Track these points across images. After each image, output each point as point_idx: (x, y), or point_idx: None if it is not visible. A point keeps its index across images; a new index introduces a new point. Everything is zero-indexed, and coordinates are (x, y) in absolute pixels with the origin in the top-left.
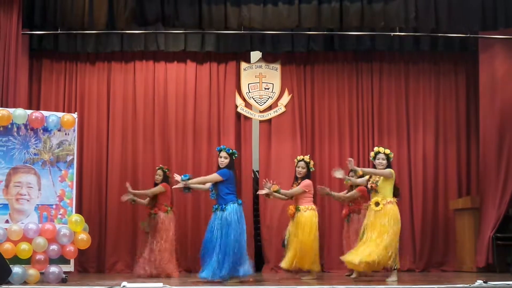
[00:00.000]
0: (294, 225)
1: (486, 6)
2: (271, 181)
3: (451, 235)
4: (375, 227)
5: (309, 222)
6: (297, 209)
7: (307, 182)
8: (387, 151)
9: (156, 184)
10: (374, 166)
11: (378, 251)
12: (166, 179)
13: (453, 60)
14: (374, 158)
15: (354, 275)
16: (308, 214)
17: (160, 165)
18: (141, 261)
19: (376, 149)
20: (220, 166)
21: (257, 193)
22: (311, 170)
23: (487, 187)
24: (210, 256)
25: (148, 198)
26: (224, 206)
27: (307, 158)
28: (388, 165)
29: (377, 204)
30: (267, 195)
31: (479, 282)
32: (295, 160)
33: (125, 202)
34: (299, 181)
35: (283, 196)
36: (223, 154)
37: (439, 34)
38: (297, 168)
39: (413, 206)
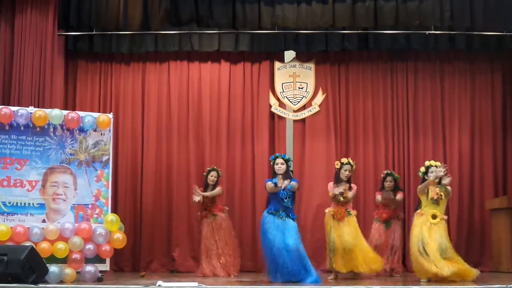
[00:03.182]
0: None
1: None
2: None
3: (487, 235)
4: (433, 239)
5: None
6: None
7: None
8: (438, 163)
9: (207, 185)
10: (424, 181)
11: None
12: (217, 180)
13: (489, 58)
14: (426, 172)
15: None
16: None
17: (214, 166)
18: (206, 261)
19: (427, 163)
20: (278, 172)
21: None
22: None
23: None
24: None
25: (201, 198)
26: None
27: (351, 161)
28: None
29: (434, 217)
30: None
31: None
32: (340, 163)
33: (160, 202)
34: (348, 184)
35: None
36: (279, 160)
37: (475, 33)
38: (344, 172)
39: (449, 206)
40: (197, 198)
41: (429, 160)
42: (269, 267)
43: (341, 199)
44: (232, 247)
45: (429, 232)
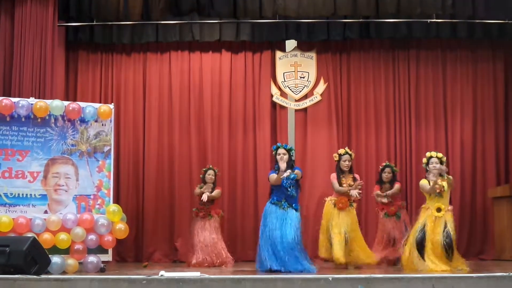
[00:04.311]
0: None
1: None
2: None
3: (489, 224)
4: (437, 233)
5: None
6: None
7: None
8: (440, 155)
9: (205, 182)
10: (426, 171)
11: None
12: (215, 179)
13: (491, 46)
14: (427, 163)
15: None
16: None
17: (210, 165)
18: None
19: (428, 154)
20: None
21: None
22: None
23: None
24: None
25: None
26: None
27: (349, 150)
28: None
29: (439, 210)
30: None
31: None
32: (338, 154)
33: (162, 192)
34: (351, 175)
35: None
36: (281, 151)
37: (477, 21)
38: (343, 162)
39: (451, 194)
40: (205, 197)
41: (430, 151)
42: (261, 254)
43: (357, 195)
44: (216, 250)
45: (433, 226)
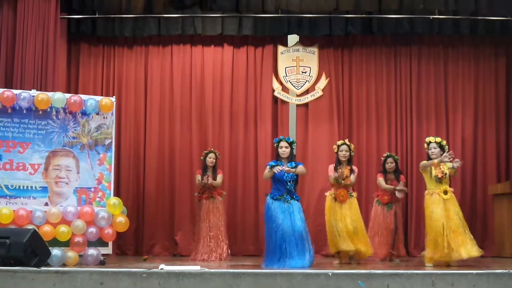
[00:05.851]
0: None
1: None
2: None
3: (489, 221)
4: (451, 215)
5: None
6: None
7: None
8: (438, 139)
9: (206, 167)
10: (428, 155)
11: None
12: (216, 162)
13: (493, 43)
14: (428, 148)
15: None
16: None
17: (211, 148)
18: (203, 246)
19: (427, 139)
20: (283, 156)
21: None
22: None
23: None
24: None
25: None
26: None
27: (347, 141)
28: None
29: (445, 192)
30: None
31: None
32: (337, 145)
33: (162, 185)
34: (349, 166)
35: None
36: (283, 144)
37: (479, 17)
38: (340, 152)
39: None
40: (210, 180)
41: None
42: (271, 252)
43: (342, 182)
44: (223, 232)
45: (446, 211)
